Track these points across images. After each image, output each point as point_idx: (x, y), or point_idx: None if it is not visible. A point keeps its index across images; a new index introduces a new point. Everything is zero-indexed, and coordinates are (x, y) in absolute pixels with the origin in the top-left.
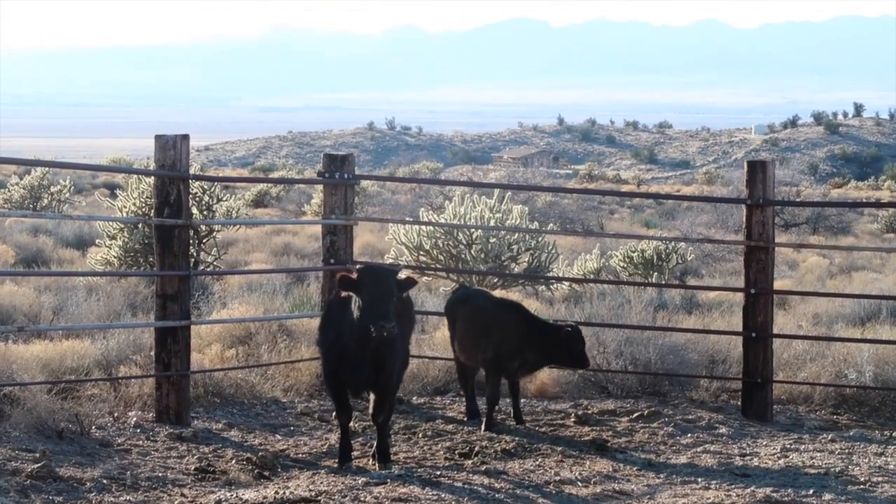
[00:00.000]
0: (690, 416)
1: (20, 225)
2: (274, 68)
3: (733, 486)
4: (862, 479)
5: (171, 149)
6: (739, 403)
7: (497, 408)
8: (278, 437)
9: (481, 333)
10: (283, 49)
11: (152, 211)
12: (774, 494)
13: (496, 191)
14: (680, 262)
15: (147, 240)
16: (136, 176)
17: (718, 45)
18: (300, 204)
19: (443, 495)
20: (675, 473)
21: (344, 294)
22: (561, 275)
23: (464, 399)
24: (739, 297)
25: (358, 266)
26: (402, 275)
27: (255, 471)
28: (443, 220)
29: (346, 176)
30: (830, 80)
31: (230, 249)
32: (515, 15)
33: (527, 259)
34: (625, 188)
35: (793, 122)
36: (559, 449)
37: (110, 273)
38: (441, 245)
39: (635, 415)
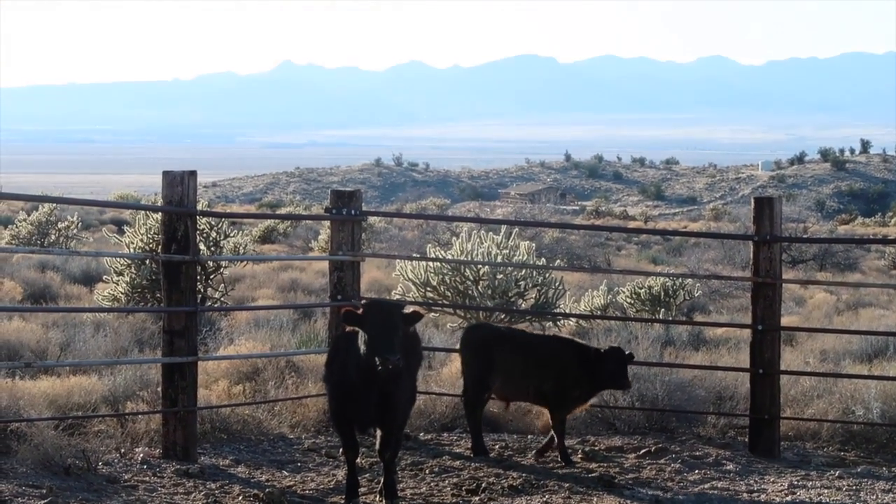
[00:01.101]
0: (698, 453)
1: (28, 261)
2: (280, 105)
3: None
4: None
5: (179, 185)
6: (747, 440)
7: (504, 443)
8: (285, 473)
9: (536, 368)
10: (290, 85)
11: (160, 247)
12: None
13: (503, 227)
14: (687, 298)
15: (154, 276)
16: (143, 212)
17: (724, 81)
18: (307, 240)
19: None
20: None
21: (349, 329)
22: (568, 311)
23: (471, 435)
24: (747, 333)
25: (363, 301)
26: (408, 309)
27: None
28: (450, 257)
29: (353, 212)
30: (836, 117)
31: (237, 285)
32: (523, 51)
33: (534, 295)
34: (632, 224)
35: (799, 159)
36: (566, 485)
37: (117, 309)
38: (448, 281)
39: (643, 451)
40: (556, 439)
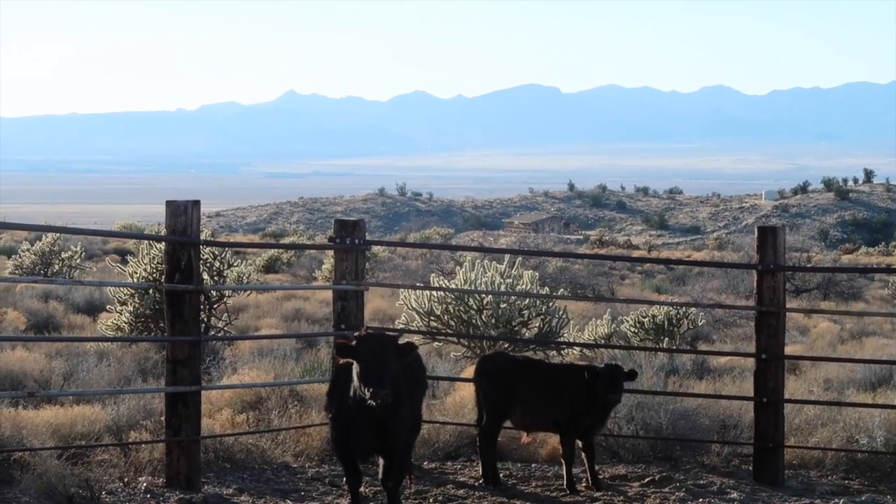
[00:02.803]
0: (702, 481)
1: (31, 291)
2: (284, 135)
3: None
4: None
5: (182, 214)
6: (751, 468)
7: (508, 471)
8: (289, 502)
9: (552, 397)
10: (294, 115)
11: (163, 276)
12: None
13: (507, 256)
14: (691, 327)
15: (158, 305)
16: (146, 241)
17: (727, 111)
18: (311, 269)
19: None
20: None
21: (342, 361)
22: (572, 340)
23: (476, 464)
24: (750, 362)
25: (356, 333)
26: (403, 340)
27: None
28: (453, 286)
29: (356, 241)
30: (839, 147)
31: (241, 315)
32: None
33: (538, 324)
34: (635, 254)
35: (803, 189)
36: None
37: (121, 338)
38: (451, 310)
39: (646, 480)
40: (588, 466)
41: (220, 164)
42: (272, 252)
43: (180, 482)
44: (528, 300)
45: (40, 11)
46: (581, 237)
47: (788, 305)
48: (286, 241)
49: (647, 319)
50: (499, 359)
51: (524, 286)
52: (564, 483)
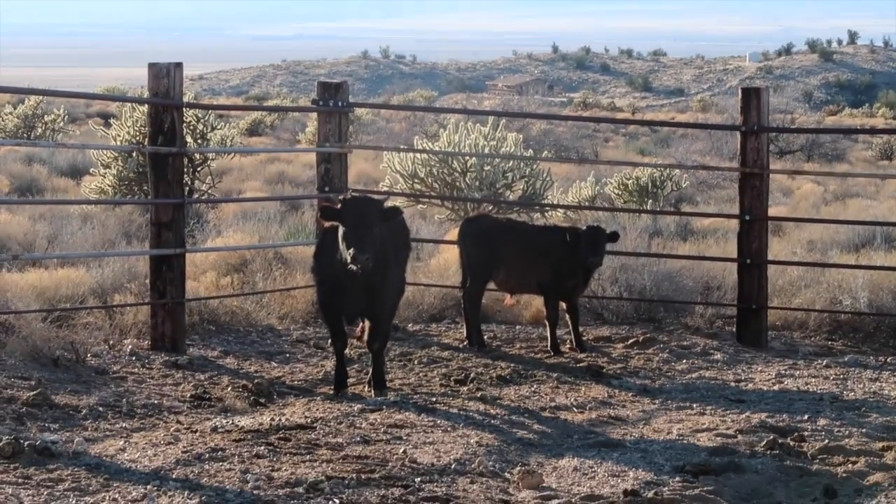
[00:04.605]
0: (685, 343)
1: (14, 154)
2: None
3: (728, 412)
4: (857, 404)
5: (165, 77)
6: (734, 330)
7: (493, 333)
8: (274, 364)
9: (535, 259)
10: None
11: (146, 139)
12: (769, 420)
13: (491, 119)
14: (675, 189)
15: (141, 168)
16: (130, 104)
17: None
18: (294, 133)
19: (438, 421)
20: (670, 399)
21: (327, 224)
22: (556, 202)
23: (460, 326)
24: (734, 223)
25: (341, 196)
26: (388, 204)
27: (251, 398)
28: (437, 148)
29: (340, 104)
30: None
31: (224, 178)
32: None
33: (521, 187)
34: (619, 116)
35: (787, 50)
36: (554, 375)
37: (105, 201)
38: (436, 173)
39: (630, 341)
40: (572, 328)
41: (204, 26)
42: (255, 115)
43: (165, 344)
44: (511, 162)
45: None
46: (565, 100)
47: (772, 167)
48: (270, 104)
49: (630, 181)
50: (482, 221)
51: (508, 148)
52: (548, 345)
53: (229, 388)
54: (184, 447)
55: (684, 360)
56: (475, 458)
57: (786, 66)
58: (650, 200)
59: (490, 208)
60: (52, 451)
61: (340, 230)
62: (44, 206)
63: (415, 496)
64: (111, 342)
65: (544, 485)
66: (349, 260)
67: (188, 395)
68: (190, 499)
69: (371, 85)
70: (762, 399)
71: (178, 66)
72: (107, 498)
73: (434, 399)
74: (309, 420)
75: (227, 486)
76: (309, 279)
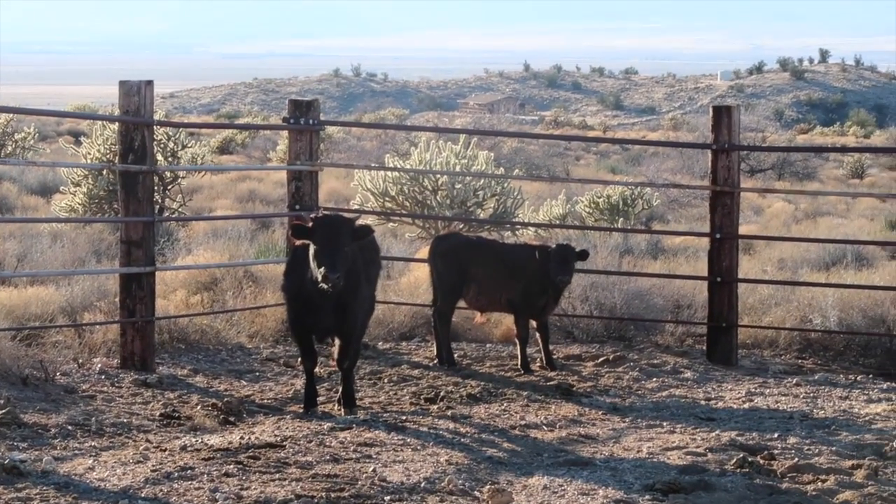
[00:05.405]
0: (656, 361)
1: None
2: (238, 14)
3: (698, 430)
4: (826, 423)
5: (136, 95)
6: (704, 348)
7: (463, 352)
8: (244, 382)
9: (506, 277)
10: None
11: (117, 157)
12: (739, 438)
13: (462, 137)
14: (646, 207)
15: (112, 186)
16: (100, 122)
17: None
18: (265, 150)
19: (408, 440)
20: (640, 417)
21: (298, 243)
22: (527, 220)
23: (430, 344)
24: (705, 242)
25: (312, 215)
26: (360, 222)
27: (221, 416)
28: (408, 166)
29: (311, 122)
30: (796, 27)
31: (195, 196)
32: None
33: (492, 205)
34: (591, 134)
35: (758, 69)
36: (525, 394)
37: (75, 219)
38: (406, 191)
39: (601, 359)
40: (542, 346)
41: (175, 44)
42: (226, 133)
43: (135, 363)
44: (483, 181)
45: None
46: (536, 118)
47: (743, 185)
48: (241, 122)
49: (601, 200)
50: (453, 239)
51: (479, 167)
52: (519, 363)
53: (199, 407)
54: (153, 466)
55: (654, 379)
56: (445, 476)
57: (757, 84)
58: (621, 219)
59: (461, 226)
60: (21, 469)
61: (311, 249)
62: (13, 224)
63: None
64: (80, 361)
65: (514, 503)
66: (320, 279)
67: (157, 413)
68: None
69: (342, 103)
70: (732, 417)
71: (149, 83)
72: None
73: (404, 417)
74: (278, 439)
75: None
76: (279, 297)
